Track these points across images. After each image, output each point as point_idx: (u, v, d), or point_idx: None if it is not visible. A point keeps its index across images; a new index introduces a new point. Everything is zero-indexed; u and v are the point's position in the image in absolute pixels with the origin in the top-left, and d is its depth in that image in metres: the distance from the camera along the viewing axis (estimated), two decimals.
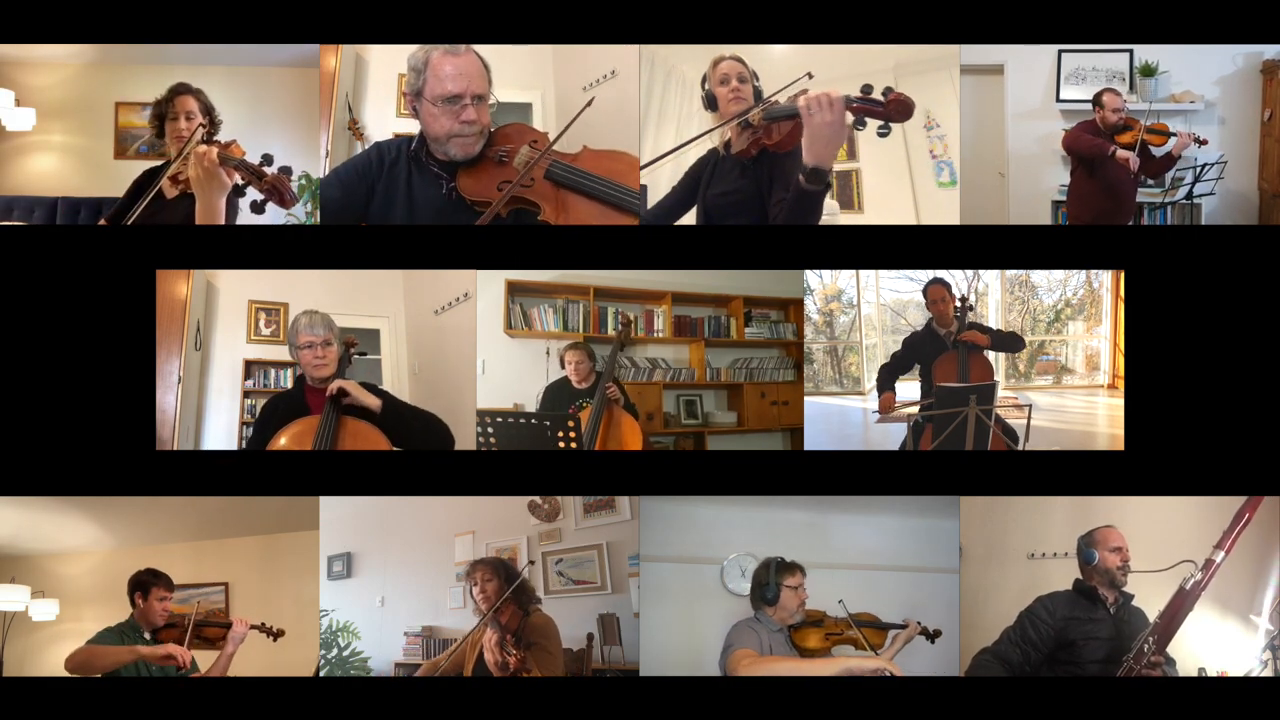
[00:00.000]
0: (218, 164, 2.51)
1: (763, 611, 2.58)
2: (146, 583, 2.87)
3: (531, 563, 3.08)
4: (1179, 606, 2.44)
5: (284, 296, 3.83)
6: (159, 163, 2.84)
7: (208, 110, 2.80)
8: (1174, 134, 3.71)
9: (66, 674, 2.68)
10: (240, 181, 2.56)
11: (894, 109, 2.28)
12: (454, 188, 2.58)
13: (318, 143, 3.53)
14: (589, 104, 2.62)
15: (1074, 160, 3.80)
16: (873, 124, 2.33)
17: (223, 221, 2.59)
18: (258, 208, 2.62)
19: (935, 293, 3.22)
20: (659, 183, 2.92)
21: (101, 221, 2.92)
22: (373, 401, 2.72)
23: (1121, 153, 3.61)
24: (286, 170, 2.59)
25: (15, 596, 3.38)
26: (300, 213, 3.60)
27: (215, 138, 2.73)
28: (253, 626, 2.85)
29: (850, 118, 2.29)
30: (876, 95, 2.30)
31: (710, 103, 2.67)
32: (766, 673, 2.39)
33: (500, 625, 2.58)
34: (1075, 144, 3.72)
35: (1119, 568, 2.60)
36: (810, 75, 2.47)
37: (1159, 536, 2.69)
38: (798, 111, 2.31)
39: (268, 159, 2.58)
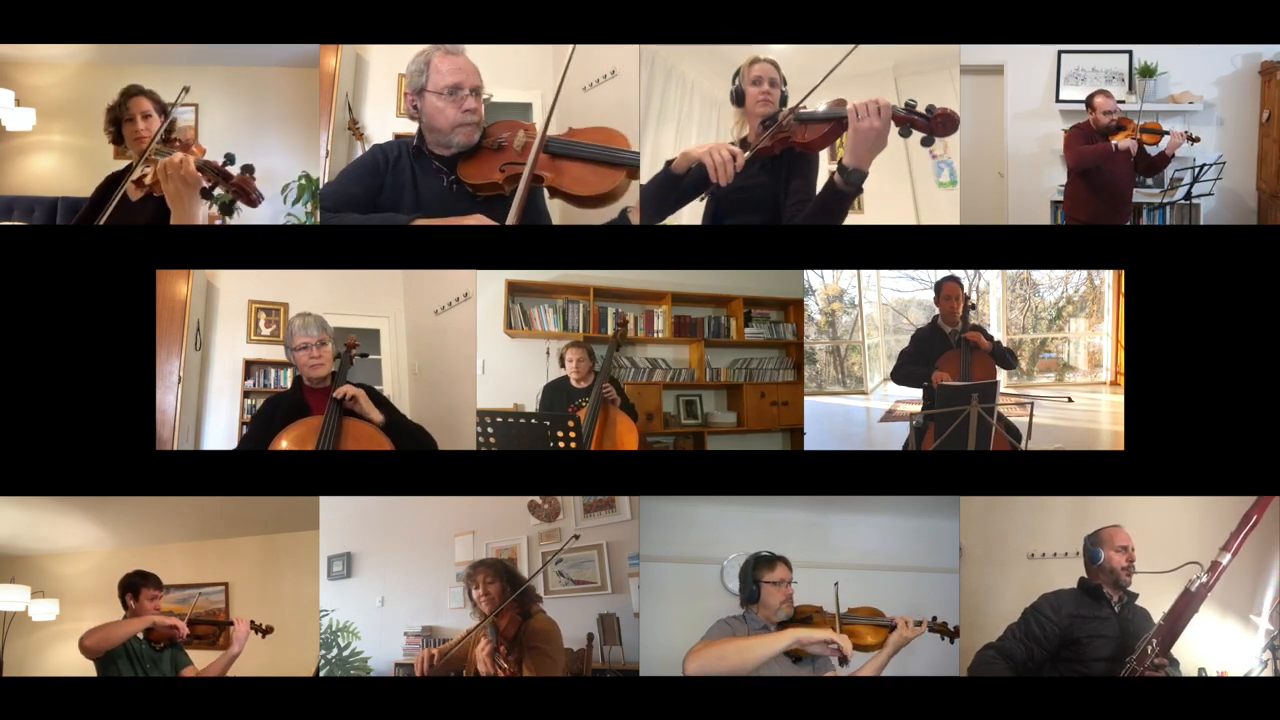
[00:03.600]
0: (196, 173, 2.48)
1: (750, 610, 2.56)
2: (136, 584, 2.90)
3: (561, 574, 3.02)
4: (1184, 608, 2.43)
5: (284, 296, 3.82)
6: (122, 165, 2.78)
7: (162, 109, 2.75)
8: (1167, 132, 3.74)
9: (82, 657, 2.72)
10: (206, 184, 2.53)
11: (939, 124, 2.45)
12: (455, 179, 2.65)
13: (318, 143, 3.53)
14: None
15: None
16: (915, 134, 2.47)
17: (200, 223, 2.57)
18: (226, 209, 2.58)
19: (950, 290, 3.22)
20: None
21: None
22: (376, 416, 2.77)
23: (1123, 143, 3.67)
24: (249, 169, 2.55)
25: (15, 596, 3.39)
26: (300, 212, 3.60)
27: (173, 136, 2.70)
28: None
29: (895, 126, 2.43)
30: (921, 110, 2.45)
31: (739, 98, 2.75)
32: (714, 656, 2.35)
33: (497, 632, 2.55)
34: (1081, 159, 3.75)
35: (1124, 567, 2.59)
36: (855, 46, 2.58)
37: (1161, 537, 2.69)
38: (832, 116, 2.48)
39: (230, 158, 2.55)
